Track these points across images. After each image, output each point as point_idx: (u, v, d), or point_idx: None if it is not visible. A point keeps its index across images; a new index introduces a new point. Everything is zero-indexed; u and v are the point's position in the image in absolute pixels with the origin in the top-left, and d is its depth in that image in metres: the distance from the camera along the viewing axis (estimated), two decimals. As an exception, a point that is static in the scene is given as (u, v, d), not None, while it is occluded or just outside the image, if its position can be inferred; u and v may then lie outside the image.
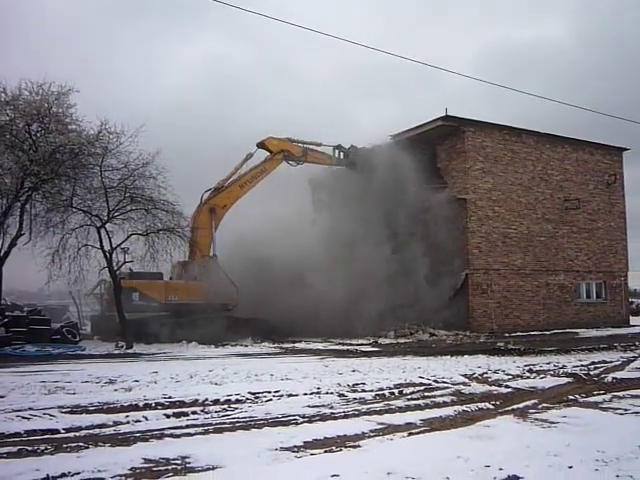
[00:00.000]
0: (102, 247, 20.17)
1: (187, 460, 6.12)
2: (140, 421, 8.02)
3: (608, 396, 9.93)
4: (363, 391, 10.43)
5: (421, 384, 11.18)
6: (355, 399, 9.73)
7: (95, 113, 19.91)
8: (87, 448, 6.63)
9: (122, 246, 21.16)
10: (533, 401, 9.50)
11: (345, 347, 20.07)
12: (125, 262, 21.44)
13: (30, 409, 8.47)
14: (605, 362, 14.84)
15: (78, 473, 5.62)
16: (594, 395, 10.09)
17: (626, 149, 32.13)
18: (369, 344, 21.34)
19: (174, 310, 21.71)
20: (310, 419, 8.22)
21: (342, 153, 26.85)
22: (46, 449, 6.54)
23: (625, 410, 8.74)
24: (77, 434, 7.30)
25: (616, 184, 31.40)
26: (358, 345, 20.74)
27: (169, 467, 5.91)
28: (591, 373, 12.79)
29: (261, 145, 24.87)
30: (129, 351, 18.94)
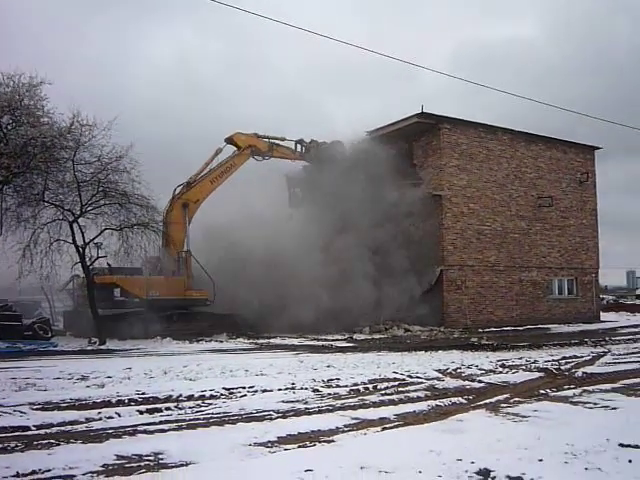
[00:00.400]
0: (75, 242, 19.90)
1: (160, 456, 6.09)
2: (113, 417, 7.95)
3: (578, 390, 10.09)
4: (337, 386, 10.47)
5: (395, 379, 11.25)
6: (329, 394, 9.77)
7: (67, 105, 19.59)
8: (58, 445, 6.57)
9: (95, 241, 20.88)
10: (505, 395, 9.62)
11: (320, 343, 20.11)
12: (98, 257, 21.17)
13: (0, 406, 8.36)
14: (576, 357, 15.07)
15: (49, 470, 5.57)
16: (564, 389, 10.25)
17: (598, 148, 32.59)
18: (344, 340, 21.40)
19: (155, 306, 21.53)
20: (284, 414, 8.23)
21: (303, 147, 26.90)
22: (16, 446, 6.46)
23: (594, 404, 8.89)
24: (48, 431, 7.23)
25: (588, 182, 31.83)
26: (333, 341, 20.79)
27: (142, 463, 5.87)
28: (562, 368, 12.98)
29: (229, 140, 24.84)
30: (102, 347, 18.73)
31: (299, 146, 26.85)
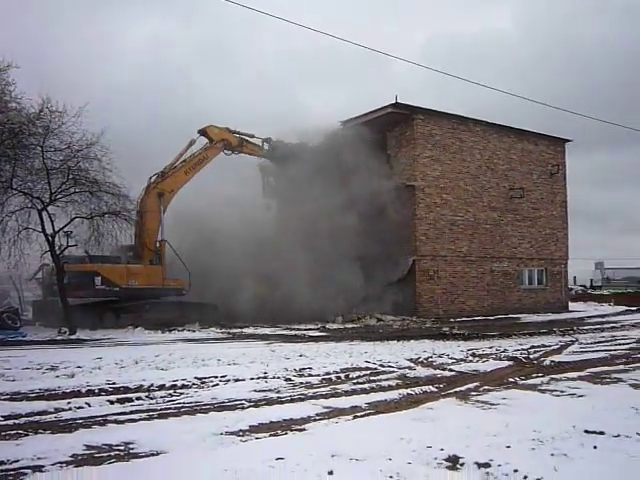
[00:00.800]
0: (44, 230, 19.57)
1: (130, 446, 6.06)
2: (82, 407, 7.89)
3: (546, 379, 10.27)
4: (310, 375, 10.51)
5: (367, 368, 11.34)
6: (302, 383, 9.80)
7: (36, 91, 19.20)
8: (27, 435, 6.51)
9: (65, 229, 20.57)
10: (475, 384, 9.76)
11: (293, 332, 20.13)
12: (68, 246, 20.87)
13: (-33, 396, 8.24)
14: (544, 346, 15.33)
15: (17, 461, 5.52)
16: (533, 378, 10.43)
17: (569, 140, 33.00)
18: (317, 329, 21.45)
19: (134, 295, 21.37)
20: (256, 403, 8.25)
21: (268, 145, 26.87)
22: (-16, 437, 6.38)
23: (561, 392, 9.06)
24: (17, 421, 7.14)
25: (558, 174, 32.25)
26: (306, 330, 20.83)
27: (112, 453, 5.84)
28: (531, 357, 13.20)
29: (202, 132, 24.65)
30: (72, 337, 18.50)
31: (265, 144, 26.74)
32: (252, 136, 26.20)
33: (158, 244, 22.68)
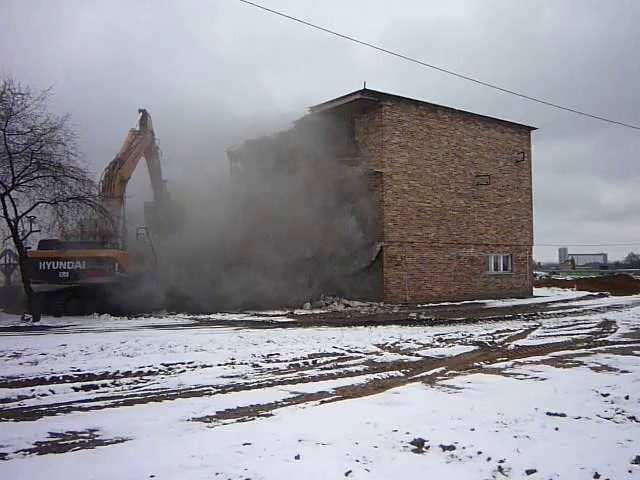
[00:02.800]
0: (6, 216, 19.19)
1: (95, 433, 6.02)
2: (47, 395, 7.80)
3: (510, 362, 10.46)
4: (277, 361, 10.54)
5: (335, 354, 11.40)
6: (269, 369, 9.82)
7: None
8: (-11, 423, 6.40)
9: (28, 215, 20.20)
10: (441, 368, 9.89)
11: (261, 318, 20.13)
12: (32, 232, 20.52)
13: None
14: (509, 331, 15.60)
15: (-21, 449, 5.43)
16: (497, 362, 10.61)
17: (534, 128, 33.45)
18: (285, 315, 21.47)
19: (133, 280, 21.23)
20: (224, 389, 8.24)
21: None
22: (-56, 425, 6.26)
23: (525, 375, 9.24)
24: (-22, 409, 7.02)
25: (524, 162, 32.68)
26: (274, 316, 20.84)
27: (76, 440, 5.79)
28: (496, 341, 13.42)
29: (142, 119, 24.69)
30: (36, 324, 18.24)
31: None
32: None
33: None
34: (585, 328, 16.41)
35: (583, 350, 12.06)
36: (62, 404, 7.31)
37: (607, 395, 7.62)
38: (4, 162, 19.27)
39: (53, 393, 7.89)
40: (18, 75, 18.95)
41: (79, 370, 9.34)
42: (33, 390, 7.94)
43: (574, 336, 14.48)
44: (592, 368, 9.86)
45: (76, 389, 8.18)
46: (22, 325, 18.03)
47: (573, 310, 23.20)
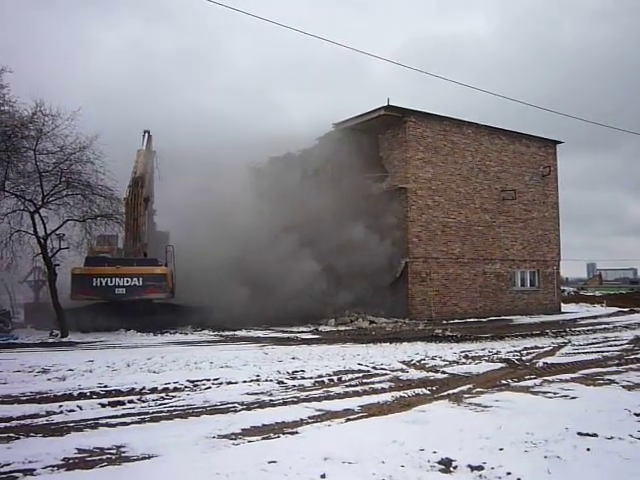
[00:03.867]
0: (36, 233, 19.50)
1: (122, 449, 6.04)
2: (74, 411, 7.85)
3: (539, 380, 10.29)
4: (302, 378, 10.50)
5: (360, 371, 11.33)
6: (294, 386, 9.79)
7: (30, 95, 19.13)
8: (18, 439, 6.47)
9: (57, 232, 20.52)
10: (468, 386, 9.76)
11: (285, 335, 20.11)
12: (60, 249, 20.81)
13: (-43, 400, 8.18)
14: (537, 348, 15.36)
15: (8, 464, 5.49)
16: (525, 380, 10.44)
17: (560, 142, 33.15)
18: (309, 332, 21.43)
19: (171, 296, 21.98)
20: (249, 406, 8.22)
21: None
22: (-26, 441, 6.33)
23: (554, 394, 9.08)
24: (8, 425, 7.10)
25: (550, 176, 32.38)
26: (298, 333, 20.80)
27: (103, 457, 5.81)
28: (523, 358, 13.22)
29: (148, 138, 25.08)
30: (64, 340, 18.43)
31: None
32: None
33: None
34: (616, 345, 16.10)
35: (614, 368, 11.83)
36: (89, 420, 7.36)
37: None
38: (34, 181, 19.64)
39: (80, 409, 7.94)
40: (48, 96, 19.37)
41: (106, 386, 9.40)
42: (61, 406, 8.01)
43: (604, 353, 14.21)
44: (624, 386, 9.67)
45: (103, 405, 8.23)
46: (50, 341, 18.24)
47: (603, 327, 22.78)
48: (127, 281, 21.33)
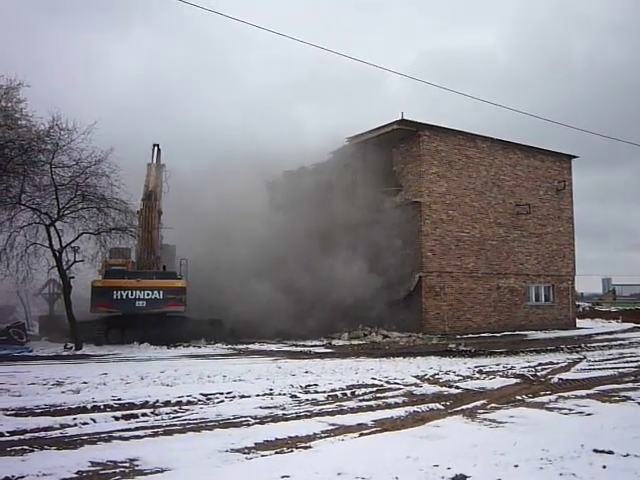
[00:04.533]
0: (51, 246, 19.70)
1: (135, 463, 6.04)
2: (88, 423, 7.88)
3: (554, 396, 10.19)
4: (316, 392, 10.46)
5: (373, 385, 11.28)
6: (307, 400, 9.76)
7: (47, 109, 19.40)
8: (32, 451, 6.50)
9: (72, 245, 20.70)
10: (482, 401, 9.68)
11: (298, 348, 20.08)
12: (75, 261, 20.98)
13: (-28, 412, 8.23)
14: (552, 363, 15.22)
15: (22, 477, 5.51)
16: (540, 395, 10.34)
17: (575, 156, 33.02)
18: (322, 345, 21.40)
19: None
20: (262, 420, 8.21)
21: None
22: (-11, 453, 6.36)
23: (570, 410, 8.98)
24: (22, 437, 7.13)
25: (565, 190, 32.21)
26: (311, 346, 20.77)
27: (117, 470, 5.82)
28: (538, 374, 13.10)
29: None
30: (78, 352, 18.55)
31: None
32: None
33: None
34: (632, 361, 15.92)
35: (630, 384, 11.69)
36: (103, 433, 7.37)
37: (657, 432, 7.35)
38: (50, 194, 19.87)
39: (94, 422, 7.96)
40: (62, 110, 19.61)
41: (120, 399, 9.43)
42: (75, 419, 8.04)
43: (620, 370, 14.05)
44: (640, 403, 9.55)
45: (117, 418, 8.24)
46: (64, 353, 18.35)
47: (619, 343, 22.54)
48: (148, 294, 21.48)
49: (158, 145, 24.81)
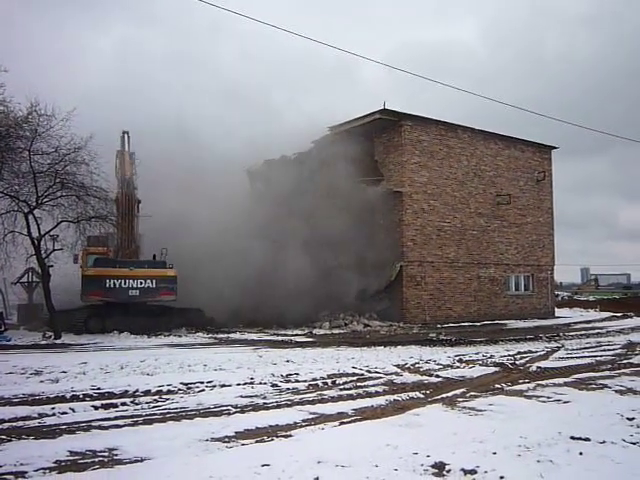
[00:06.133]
0: (30, 234, 19.44)
1: (115, 452, 6.01)
2: (67, 413, 7.82)
3: (532, 384, 10.31)
4: (296, 381, 10.49)
5: (354, 374, 11.32)
6: (288, 389, 9.77)
7: (24, 94, 19.05)
8: (9, 441, 6.44)
9: (51, 233, 20.46)
10: (462, 390, 9.77)
11: (280, 338, 20.08)
12: (54, 250, 20.75)
13: (-51, 401, 8.14)
14: (531, 352, 15.39)
15: (0, 466, 5.45)
16: (519, 384, 10.46)
17: (555, 147, 33.27)
18: (304, 335, 21.42)
19: None
20: (242, 409, 8.21)
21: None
22: (-35, 443, 6.30)
23: (548, 398, 9.09)
24: (-1, 427, 7.07)
25: (545, 181, 32.48)
26: (293, 336, 20.79)
27: (96, 459, 5.79)
28: (517, 363, 13.24)
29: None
30: (57, 342, 18.36)
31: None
32: None
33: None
34: (609, 350, 16.15)
35: (607, 372, 11.86)
36: (82, 422, 7.33)
37: (632, 419, 7.47)
38: (29, 182, 19.58)
39: (73, 411, 7.90)
40: (41, 96, 19.28)
41: (99, 388, 9.37)
42: (53, 408, 7.97)
43: (598, 358, 14.25)
44: (616, 391, 9.69)
45: (96, 407, 8.20)
46: (43, 342, 18.18)
47: (596, 331, 22.84)
48: (141, 283, 21.36)
49: (128, 132, 24.35)
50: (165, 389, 9.46)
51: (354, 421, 7.52)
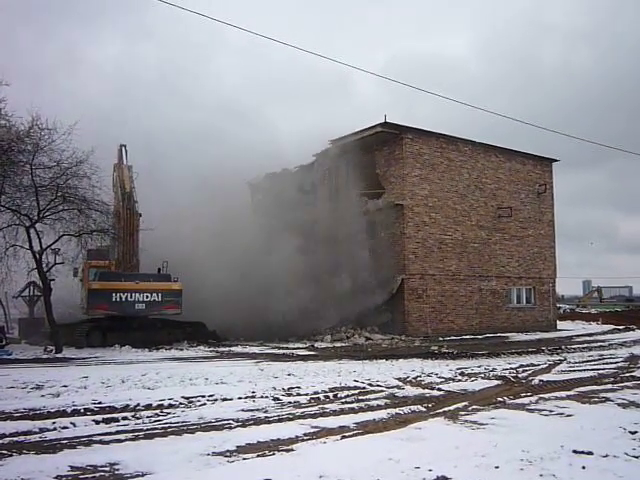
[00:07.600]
0: (31, 248, 19.47)
1: (116, 467, 5.99)
2: (68, 427, 7.80)
3: (535, 398, 10.27)
4: (298, 395, 10.46)
5: (356, 387, 11.29)
6: (290, 403, 9.74)
7: (25, 108, 19.14)
8: (10, 456, 6.42)
9: (53, 247, 20.49)
10: (464, 403, 9.73)
11: (281, 351, 20.05)
12: (55, 264, 20.77)
13: (-50, 416, 8.12)
14: (533, 365, 15.34)
15: (0, 482, 5.44)
16: (521, 397, 10.42)
17: (556, 160, 33.33)
18: (305, 348, 21.37)
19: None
20: (244, 423, 8.18)
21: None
22: (-34, 457, 6.28)
23: (550, 411, 9.05)
24: (0, 441, 7.04)
25: (546, 193, 32.51)
26: (294, 349, 20.74)
27: (97, 474, 5.77)
28: (519, 376, 13.20)
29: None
30: (58, 355, 18.34)
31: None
32: None
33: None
34: (611, 363, 16.10)
35: (609, 386, 11.82)
36: (83, 437, 7.31)
37: (635, 433, 7.44)
38: (30, 195, 19.62)
39: (74, 426, 7.88)
40: (42, 110, 19.37)
41: (100, 403, 9.34)
42: (54, 422, 7.95)
43: (600, 371, 14.19)
44: (619, 404, 9.66)
45: (97, 422, 8.17)
46: (45, 357, 18.15)
47: (598, 344, 22.76)
48: (147, 296, 21.42)
49: (125, 146, 24.45)
50: (166, 403, 9.43)
51: (356, 435, 7.49)
